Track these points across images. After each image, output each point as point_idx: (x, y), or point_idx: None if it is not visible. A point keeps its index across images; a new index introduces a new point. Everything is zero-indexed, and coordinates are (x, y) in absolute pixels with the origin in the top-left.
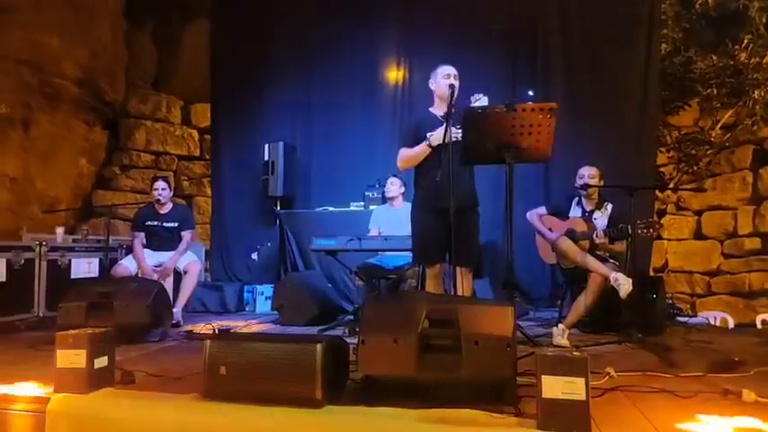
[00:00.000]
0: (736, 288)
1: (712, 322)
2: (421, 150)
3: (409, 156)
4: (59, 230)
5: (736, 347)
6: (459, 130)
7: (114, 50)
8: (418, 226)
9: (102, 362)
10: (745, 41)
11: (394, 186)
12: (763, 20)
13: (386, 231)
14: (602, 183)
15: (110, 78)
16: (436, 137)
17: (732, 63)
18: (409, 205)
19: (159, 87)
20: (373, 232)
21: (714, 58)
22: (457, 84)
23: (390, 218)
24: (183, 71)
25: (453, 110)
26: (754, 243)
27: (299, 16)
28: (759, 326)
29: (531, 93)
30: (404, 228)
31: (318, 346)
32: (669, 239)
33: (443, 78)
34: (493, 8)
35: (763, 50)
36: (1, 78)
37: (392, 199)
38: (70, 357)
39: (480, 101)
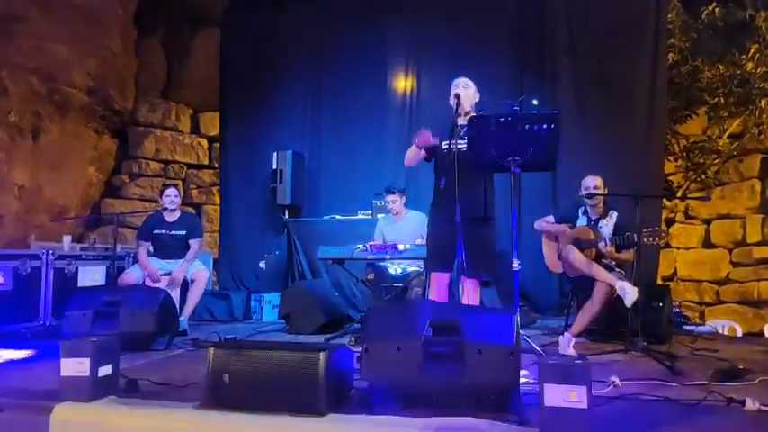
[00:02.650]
0: (745, 297)
1: (720, 331)
2: (412, 149)
3: (408, 154)
4: (66, 239)
5: (742, 356)
6: (465, 140)
7: (124, 59)
8: (429, 231)
9: (106, 370)
10: (752, 51)
11: (395, 204)
12: None
13: (390, 241)
14: (605, 191)
15: (119, 87)
16: (422, 137)
17: (739, 72)
18: (413, 214)
19: (169, 96)
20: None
21: (721, 67)
22: (465, 91)
23: (395, 229)
24: (192, 80)
25: (460, 119)
26: (763, 252)
27: (308, 25)
28: (767, 334)
29: (535, 102)
30: (408, 237)
31: (321, 355)
32: (678, 248)
33: (452, 89)
34: (501, 18)
35: None
36: (11, 87)
37: (396, 214)
38: (74, 365)
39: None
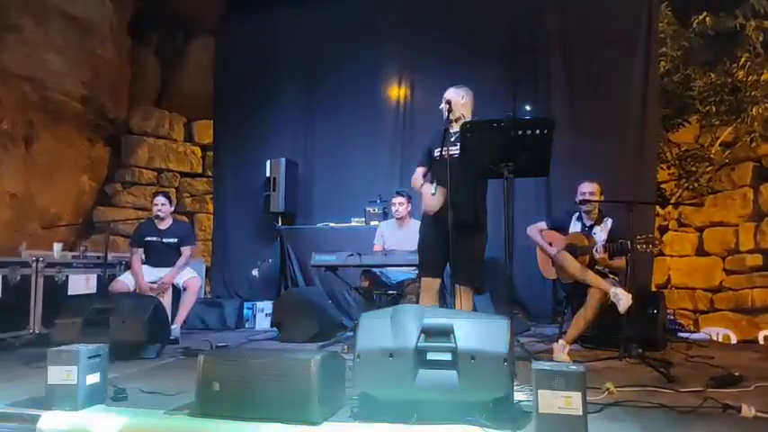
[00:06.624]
0: (739, 304)
1: (714, 338)
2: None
3: (412, 181)
4: (57, 246)
5: (737, 363)
6: (457, 146)
7: (118, 67)
8: (420, 238)
9: (94, 378)
10: (743, 60)
11: (402, 206)
12: (760, 38)
13: (390, 248)
14: (601, 198)
15: (113, 95)
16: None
17: (730, 81)
18: (417, 222)
19: (162, 104)
20: (377, 248)
21: (712, 75)
22: (455, 96)
23: (398, 237)
24: (186, 88)
25: (452, 125)
26: (756, 259)
27: (302, 33)
28: (761, 341)
29: (528, 108)
30: (410, 246)
31: (313, 363)
32: (672, 256)
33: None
34: (494, 26)
35: (761, 68)
36: (3, 95)
37: (401, 219)
38: (61, 374)
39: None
